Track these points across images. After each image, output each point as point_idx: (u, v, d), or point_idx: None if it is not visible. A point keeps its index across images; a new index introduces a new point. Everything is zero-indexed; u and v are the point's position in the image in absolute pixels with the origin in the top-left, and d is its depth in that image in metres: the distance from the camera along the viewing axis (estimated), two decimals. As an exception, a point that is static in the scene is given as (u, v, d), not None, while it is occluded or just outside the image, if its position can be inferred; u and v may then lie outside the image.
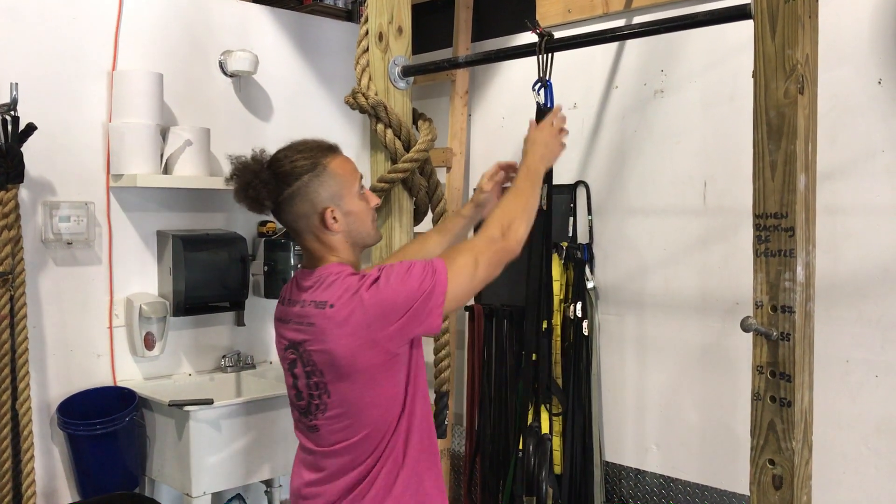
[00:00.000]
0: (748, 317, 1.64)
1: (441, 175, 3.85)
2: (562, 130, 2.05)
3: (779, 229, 1.60)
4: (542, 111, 2.10)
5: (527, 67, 3.66)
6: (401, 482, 1.82)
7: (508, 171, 2.18)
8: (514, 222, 1.84)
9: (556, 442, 3.34)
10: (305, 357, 1.82)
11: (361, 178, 1.92)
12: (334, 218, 1.83)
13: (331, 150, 1.90)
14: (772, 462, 1.62)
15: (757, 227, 1.64)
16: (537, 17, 3.58)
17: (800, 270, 1.59)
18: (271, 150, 4.26)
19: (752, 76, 1.67)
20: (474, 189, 2.26)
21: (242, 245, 3.65)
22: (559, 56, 3.43)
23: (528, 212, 1.89)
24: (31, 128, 2.89)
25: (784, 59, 1.59)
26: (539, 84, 2.11)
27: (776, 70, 1.60)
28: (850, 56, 2.69)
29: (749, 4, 1.67)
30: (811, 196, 1.63)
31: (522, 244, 1.86)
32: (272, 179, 1.82)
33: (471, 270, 1.77)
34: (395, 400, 1.81)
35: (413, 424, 1.84)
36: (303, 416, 1.90)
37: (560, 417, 3.36)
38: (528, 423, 2.49)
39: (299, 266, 1.95)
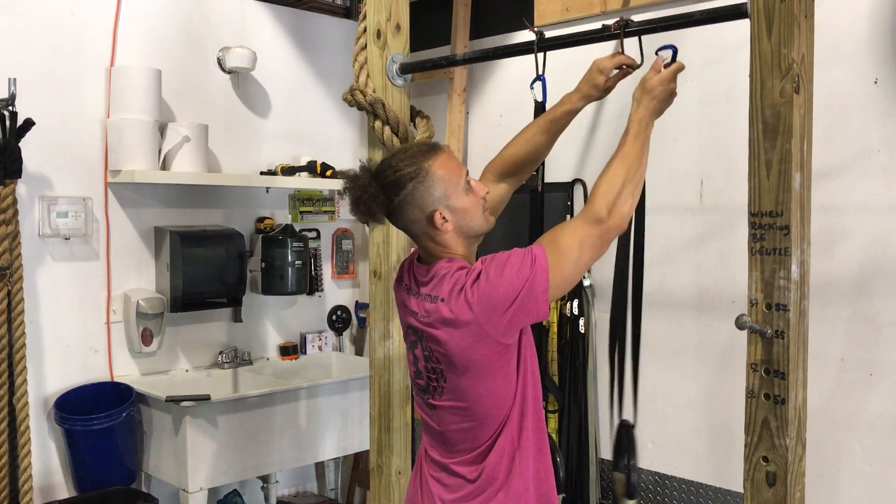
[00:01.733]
0: (743, 314, 1.64)
1: (438, 172, 3.85)
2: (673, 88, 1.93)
3: (774, 228, 1.60)
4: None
5: (524, 65, 3.67)
6: (514, 470, 1.86)
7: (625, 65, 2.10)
8: (620, 196, 1.76)
9: (553, 430, 3.35)
10: (424, 344, 1.88)
11: (467, 172, 1.91)
12: (444, 218, 1.84)
13: (432, 151, 1.88)
14: (765, 459, 1.63)
15: (752, 225, 1.65)
16: (535, 15, 3.59)
17: (794, 269, 1.60)
18: (269, 145, 4.26)
19: (749, 76, 1.68)
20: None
21: (240, 241, 3.65)
22: (556, 54, 3.45)
23: (635, 181, 1.80)
24: (29, 123, 2.90)
25: (780, 58, 1.59)
26: (535, 81, 2.11)
27: (772, 69, 1.60)
28: (847, 55, 2.69)
29: (745, 4, 1.67)
30: (806, 195, 1.63)
31: (629, 218, 1.80)
32: (380, 192, 1.85)
33: (575, 255, 1.75)
34: (508, 389, 1.84)
35: (526, 410, 1.87)
36: (422, 393, 1.96)
37: (556, 415, 3.37)
38: None
39: (415, 259, 1.98)
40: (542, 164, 2.20)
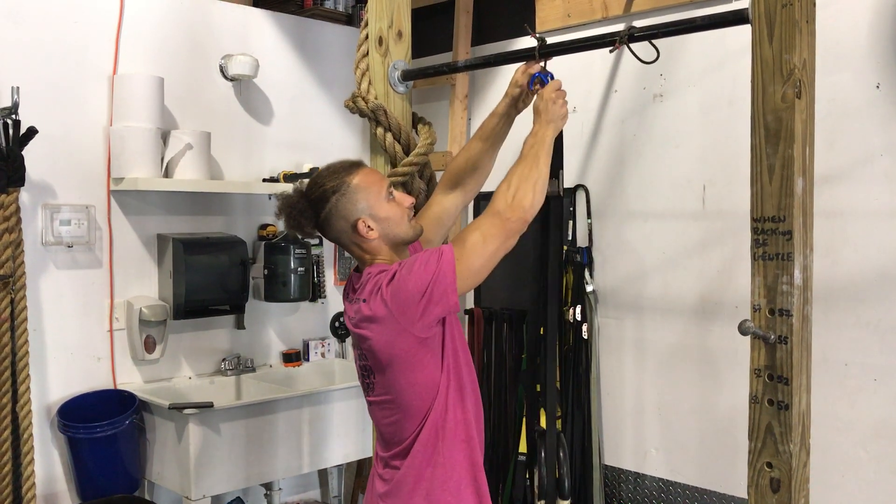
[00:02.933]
0: (746, 320, 1.64)
1: (441, 179, 3.86)
2: (562, 97, 2.09)
3: (776, 233, 1.60)
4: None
5: (526, 71, 3.68)
6: (438, 460, 1.99)
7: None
8: (518, 192, 1.90)
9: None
10: (356, 344, 2.05)
11: (390, 185, 2.06)
12: (369, 227, 1.99)
13: (354, 166, 2.05)
14: (769, 465, 1.63)
15: (754, 230, 1.64)
16: (537, 22, 3.59)
17: (797, 274, 1.59)
18: (271, 152, 4.27)
19: (751, 81, 1.68)
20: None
21: (242, 248, 3.65)
22: (559, 60, 3.45)
23: (532, 178, 1.93)
24: (32, 131, 2.90)
25: (781, 63, 1.59)
26: (535, 83, 2.14)
27: (774, 74, 1.60)
28: (849, 61, 2.69)
29: (747, 9, 1.68)
30: (809, 200, 1.63)
31: (533, 211, 1.91)
32: (308, 207, 2.02)
33: (479, 248, 1.88)
34: (430, 382, 1.96)
35: (450, 402, 1.99)
36: (364, 392, 2.14)
37: (559, 421, 3.36)
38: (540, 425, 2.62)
39: (353, 269, 2.15)
40: (560, 169, 2.27)
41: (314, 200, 2.00)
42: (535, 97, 2.11)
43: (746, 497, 1.68)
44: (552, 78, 2.13)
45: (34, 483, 2.97)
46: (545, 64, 2.20)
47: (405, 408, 1.98)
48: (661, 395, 3.23)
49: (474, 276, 1.90)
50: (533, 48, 2.21)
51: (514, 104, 2.24)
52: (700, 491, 3.10)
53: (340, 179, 1.99)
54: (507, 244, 1.90)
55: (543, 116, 2.04)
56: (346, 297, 2.11)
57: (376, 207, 1.99)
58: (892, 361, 2.62)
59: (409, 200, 2.06)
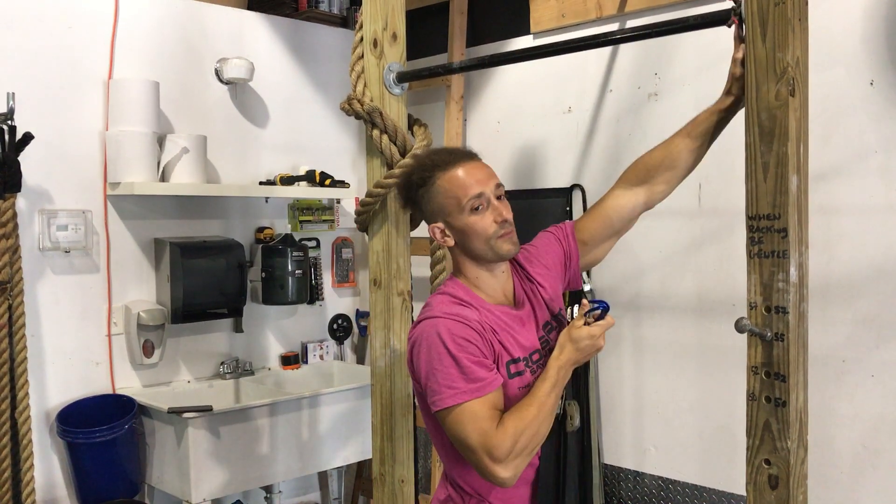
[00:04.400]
0: (742, 318, 1.64)
1: (437, 180, 3.86)
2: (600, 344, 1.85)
3: (771, 231, 1.60)
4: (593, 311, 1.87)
5: (521, 72, 3.69)
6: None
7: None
8: (523, 451, 1.69)
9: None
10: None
11: (480, 193, 1.81)
12: (445, 234, 1.85)
13: (454, 160, 1.83)
14: (767, 462, 1.63)
15: (750, 228, 1.65)
16: (532, 22, 3.60)
17: (793, 271, 1.60)
18: (267, 155, 4.27)
19: (745, 80, 1.68)
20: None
21: (240, 252, 3.66)
22: (553, 60, 3.46)
23: (539, 434, 1.73)
24: (28, 137, 2.91)
25: (775, 61, 1.60)
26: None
27: (767, 73, 1.61)
28: (843, 57, 2.70)
29: (730, 9, 1.68)
30: (803, 197, 1.63)
31: (517, 471, 1.70)
32: (405, 190, 1.91)
33: (463, 438, 1.70)
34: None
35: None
36: None
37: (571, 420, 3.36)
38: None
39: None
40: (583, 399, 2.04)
41: (409, 184, 1.88)
42: (577, 324, 1.84)
43: (745, 494, 1.68)
44: (605, 314, 1.86)
45: (34, 489, 2.97)
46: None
47: (439, 447, 1.95)
48: (659, 393, 3.24)
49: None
50: (533, 48, 2.21)
51: (728, 92, 1.87)
52: (699, 489, 3.10)
53: (430, 173, 1.83)
54: (470, 461, 1.72)
55: (580, 353, 1.81)
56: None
57: (454, 216, 1.81)
58: (889, 357, 2.62)
59: (503, 216, 1.82)
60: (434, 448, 1.98)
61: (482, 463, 1.67)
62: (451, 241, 1.84)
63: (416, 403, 1.95)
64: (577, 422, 1.94)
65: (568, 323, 1.87)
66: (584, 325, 1.83)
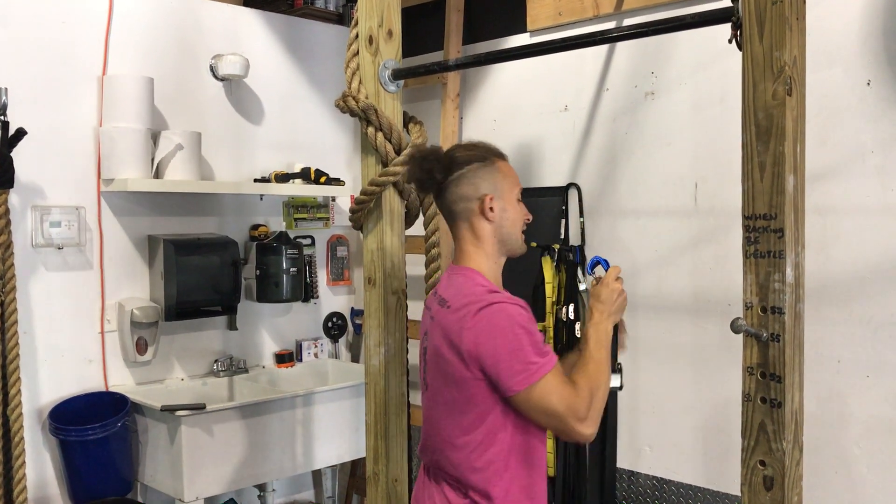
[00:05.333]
0: (738, 318, 1.64)
1: (433, 178, 3.84)
2: (621, 290, 1.97)
3: (768, 231, 1.60)
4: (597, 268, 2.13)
5: (518, 70, 3.68)
6: None
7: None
8: (593, 405, 1.79)
9: (549, 444, 3.33)
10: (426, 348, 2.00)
11: (521, 191, 2.01)
12: (491, 208, 1.92)
13: (502, 155, 2.01)
14: (763, 463, 1.62)
15: (746, 228, 1.64)
16: (528, 20, 3.59)
17: (789, 271, 1.59)
18: (262, 152, 4.27)
19: (742, 79, 1.67)
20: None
21: (234, 249, 3.64)
22: (550, 58, 3.45)
23: (603, 389, 1.83)
24: (21, 133, 2.89)
25: (772, 60, 1.59)
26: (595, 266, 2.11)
27: (764, 72, 1.60)
28: (840, 57, 2.70)
29: (731, 7, 1.67)
30: (800, 197, 1.63)
31: (597, 425, 1.80)
32: (446, 161, 1.95)
33: (551, 408, 1.77)
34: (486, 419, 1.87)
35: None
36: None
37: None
38: None
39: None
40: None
41: (454, 158, 1.94)
42: (597, 283, 1.99)
43: (740, 495, 1.68)
44: (607, 265, 2.06)
45: (25, 486, 2.95)
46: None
47: None
48: (654, 393, 3.23)
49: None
50: (523, 47, 2.20)
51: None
52: (694, 489, 3.10)
53: (489, 154, 1.96)
54: (554, 429, 1.83)
55: (607, 307, 1.93)
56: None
57: (507, 196, 1.94)
58: (885, 357, 2.62)
59: (529, 216, 2.01)
60: (446, 457, 1.91)
61: (569, 426, 1.76)
62: (493, 216, 1.92)
63: (447, 395, 1.91)
64: (618, 382, 1.99)
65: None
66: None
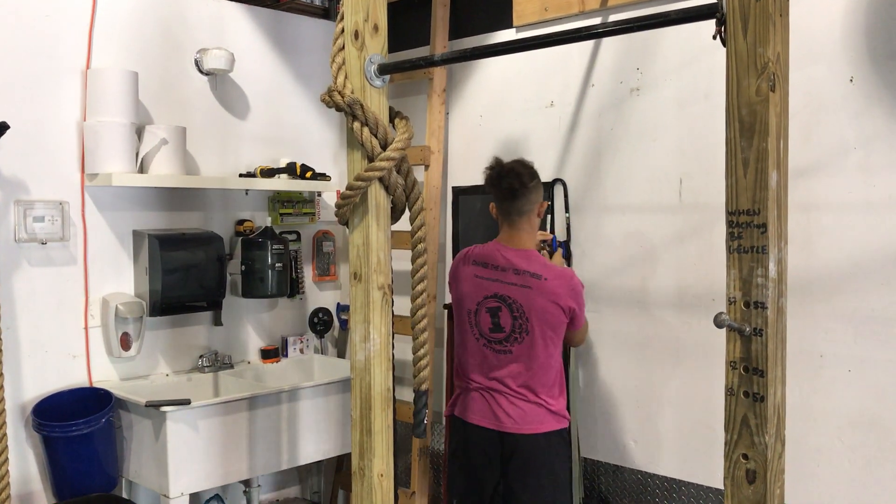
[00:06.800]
0: (721, 313, 1.64)
1: (420, 173, 3.85)
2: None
3: (751, 226, 1.60)
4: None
5: (504, 65, 3.68)
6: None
7: None
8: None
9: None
10: (515, 307, 2.81)
11: None
12: (542, 210, 2.92)
13: None
14: (745, 456, 1.63)
15: (729, 223, 1.65)
16: (514, 15, 3.59)
17: (772, 267, 1.60)
18: (248, 146, 4.27)
19: (725, 75, 1.68)
20: None
21: (219, 244, 3.63)
22: (536, 54, 3.46)
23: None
24: (4, 126, 2.87)
25: (755, 57, 1.59)
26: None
27: (748, 68, 1.60)
28: (823, 54, 2.71)
29: (715, 3, 1.68)
30: (783, 193, 1.63)
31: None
32: (531, 170, 2.90)
33: (586, 333, 3.07)
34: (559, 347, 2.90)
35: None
36: (494, 343, 2.86)
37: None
38: None
39: (498, 240, 2.94)
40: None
41: (534, 172, 2.90)
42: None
43: (723, 489, 1.69)
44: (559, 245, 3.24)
45: (8, 483, 2.93)
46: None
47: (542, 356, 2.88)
48: (639, 387, 3.25)
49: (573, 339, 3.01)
50: (509, 42, 2.19)
51: None
52: (679, 483, 3.12)
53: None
54: (581, 340, 3.06)
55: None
56: (492, 266, 2.86)
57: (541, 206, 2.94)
58: (867, 352, 2.64)
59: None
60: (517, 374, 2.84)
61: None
62: (539, 217, 2.93)
63: (525, 330, 2.82)
64: None
65: None
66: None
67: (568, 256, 3.41)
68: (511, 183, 2.81)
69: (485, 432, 2.86)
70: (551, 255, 3.16)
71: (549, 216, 3.47)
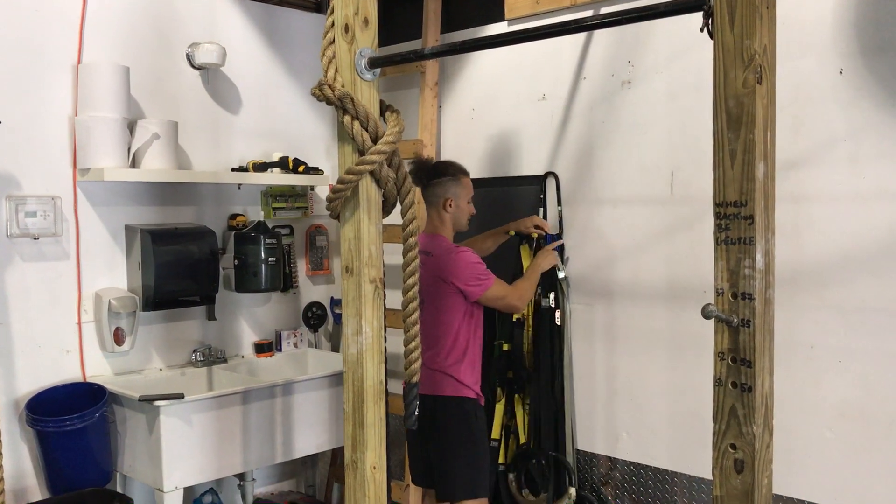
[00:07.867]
0: (709, 304, 1.65)
1: (411, 167, 3.85)
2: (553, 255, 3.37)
3: (738, 217, 1.62)
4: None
5: (496, 59, 3.69)
6: None
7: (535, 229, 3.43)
8: (521, 298, 3.21)
9: (521, 416, 3.36)
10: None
11: (472, 196, 3.25)
12: (449, 205, 3.17)
13: (467, 173, 3.25)
14: (733, 446, 1.65)
15: (717, 215, 1.66)
16: (506, 9, 3.59)
17: (759, 258, 1.61)
18: (240, 141, 4.30)
19: (713, 67, 1.69)
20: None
21: (212, 239, 3.63)
22: (528, 47, 3.46)
23: (527, 295, 3.24)
24: (-6, 122, 2.86)
25: (742, 49, 1.60)
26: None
27: (735, 60, 1.61)
28: (812, 46, 2.72)
29: (706, -5, 1.68)
30: (770, 184, 1.64)
31: (520, 308, 3.27)
32: (432, 171, 3.21)
33: (501, 295, 3.15)
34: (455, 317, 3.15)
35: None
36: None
37: (528, 407, 3.38)
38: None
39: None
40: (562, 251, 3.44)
41: (439, 170, 3.21)
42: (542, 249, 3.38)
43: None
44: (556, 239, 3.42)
45: (2, 478, 2.93)
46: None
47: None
48: (631, 379, 3.26)
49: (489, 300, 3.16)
50: (499, 35, 2.19)
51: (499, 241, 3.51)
52: (671, 474, 3.14)
53: (459, 173, 3.21)
54: (501, 307, 3.25)
55: (542, 262, 3.32)
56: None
57: (461, 200, 3.19)
58: (857, 343, 2.66)
59: (473, 211, 3.25)
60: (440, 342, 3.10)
61: (513, 302, 3.19)
62: (449, 211, 3.17)
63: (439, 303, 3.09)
64: (550, 303, 3.40)
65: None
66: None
67: (561, 250, 3.41)
68: (414, 179, 3.00)
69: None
70: (540, 246, 3.31)
71: (541, 209, 3.48)
